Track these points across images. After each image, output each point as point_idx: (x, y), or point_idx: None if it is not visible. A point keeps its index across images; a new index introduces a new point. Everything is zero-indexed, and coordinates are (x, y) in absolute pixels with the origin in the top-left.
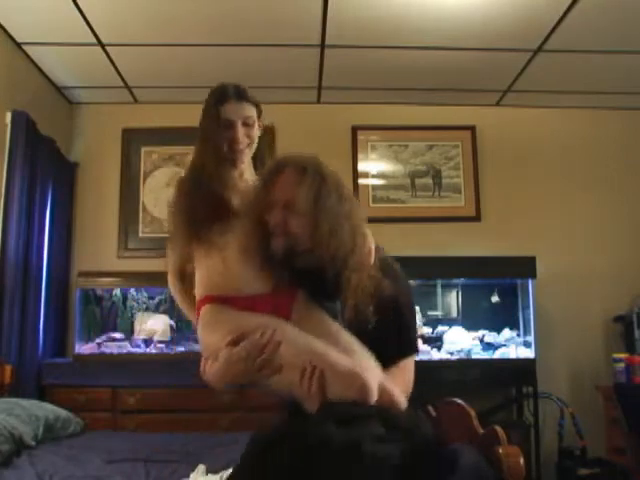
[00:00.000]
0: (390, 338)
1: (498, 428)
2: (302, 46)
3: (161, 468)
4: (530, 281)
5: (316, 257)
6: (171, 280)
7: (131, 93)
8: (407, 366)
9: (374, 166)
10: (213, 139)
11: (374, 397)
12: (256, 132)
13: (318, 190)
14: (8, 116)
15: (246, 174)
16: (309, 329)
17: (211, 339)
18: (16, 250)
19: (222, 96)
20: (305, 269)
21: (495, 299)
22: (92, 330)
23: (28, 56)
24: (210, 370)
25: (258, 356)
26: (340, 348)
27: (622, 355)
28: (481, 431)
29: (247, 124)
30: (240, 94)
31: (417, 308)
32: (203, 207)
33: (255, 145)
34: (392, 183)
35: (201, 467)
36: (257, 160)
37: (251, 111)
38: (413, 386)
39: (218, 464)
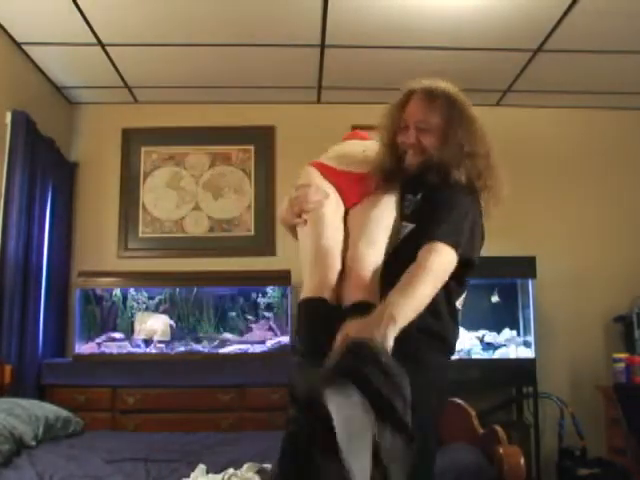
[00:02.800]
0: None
1: (498, 428)
2: (302, 46)
3: (161, 468)
4: (530, 281)
5: (447, 171)
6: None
7: (131, 93)
8: (426, 252)
9: None
10: None
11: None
12: None
13: (449, 112)
14: (8, 116)
15: None
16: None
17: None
18: (16, 250)
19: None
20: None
21: (495, 299)
22: (92, 330)
23: (28, 56)
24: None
25: (296, 204)
26: (361, 238)
27: (622, 355)
28: (481, 431)
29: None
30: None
31: None
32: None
33: None
34: None
35: (201, 467)
36: None
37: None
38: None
39: (218, 464)
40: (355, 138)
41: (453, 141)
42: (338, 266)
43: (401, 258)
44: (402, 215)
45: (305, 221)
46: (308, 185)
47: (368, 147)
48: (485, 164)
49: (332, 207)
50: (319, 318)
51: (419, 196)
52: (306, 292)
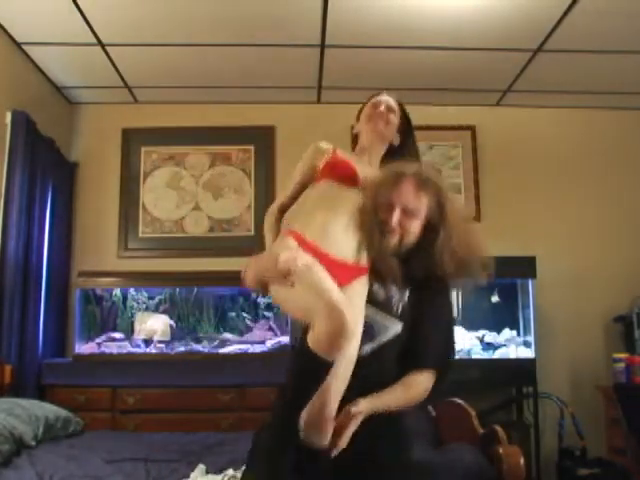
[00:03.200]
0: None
1: (498, 428)
2: (302, 46)
3: (161, 468)
4: (530, 281)
5: (433, 268)
6: (272, 208)
7: (131, 93)
8: (414, 381)
9: None
10: None
11: (347, 339)
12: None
13: (438, 201)
14: (8, 116)
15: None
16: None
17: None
18: (16, 250)
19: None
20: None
21: (495, 299)
22: (92, 330)
23: (28, 56)
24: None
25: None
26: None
27: (622, 355)
28: (481, 431)
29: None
30: None
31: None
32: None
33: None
34: None
35: (201, 467)
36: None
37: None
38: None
39: (218, 464)
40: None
41: (440, 235)
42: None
43: (384, 358)
44: (388, 308)
45: (292, 283)
46: (295, 248)
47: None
48: (466, 258)
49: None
50: (317, 382)
51: (406, 294)
52: (315, 344)
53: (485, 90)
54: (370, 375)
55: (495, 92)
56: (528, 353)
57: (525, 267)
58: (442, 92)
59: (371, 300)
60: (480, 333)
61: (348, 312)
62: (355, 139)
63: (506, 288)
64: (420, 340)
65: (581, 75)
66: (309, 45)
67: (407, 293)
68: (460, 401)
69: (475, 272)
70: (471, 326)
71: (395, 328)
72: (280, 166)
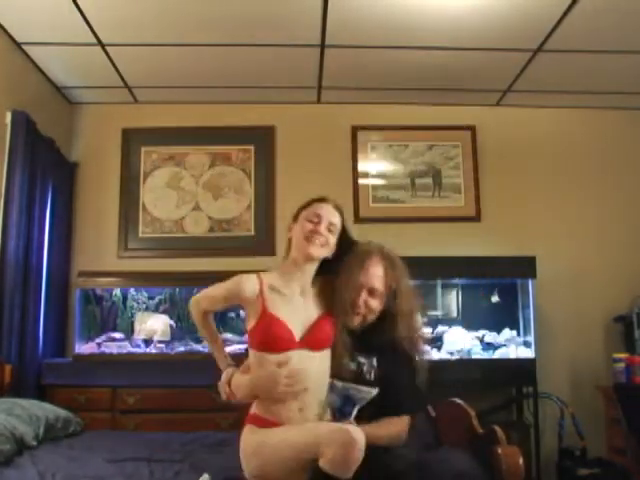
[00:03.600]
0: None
1: (497, 428)
2: (302, 46)
3: (165, 468)
4: (530, 281)
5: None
6: (198, 302)
7: (131, 93)
8: (394, 419)
9: (374, 166)
10: None
11: (361, 449)
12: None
13: (399, 282)
14: (8, 116)
15: None
16: None
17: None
18: (16, 250)
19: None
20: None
21: (495, 299)
22: (92, 330)
23: (28, 56)
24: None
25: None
26: None
27: (622, 355)
28: (481, 431)
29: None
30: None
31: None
32: None
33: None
34: (392, 183)
35: (206, 476)
36: None
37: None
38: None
39: (218, 464)
40: None
41: (397, 304)
42: None
43: (362, 417)
44: (362, 378)
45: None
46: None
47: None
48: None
49: None
50: None
51: (374, 361)
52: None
53: (485, 90)
54: None
55: (495, 92)
56: (528, 353)
57: (525, 267)
58: (442, 92)
59: (346, 374)
60: (480, 333)
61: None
62: (289, 243)
63: (506, 288)
64: (392, 398)
65: (581, 75)
66: (309, 45)
67: (375, 360)
68: (460, 401)
69: (421, 330)
70: (471, 326)
71: (372, 393)
72: (280, 166)
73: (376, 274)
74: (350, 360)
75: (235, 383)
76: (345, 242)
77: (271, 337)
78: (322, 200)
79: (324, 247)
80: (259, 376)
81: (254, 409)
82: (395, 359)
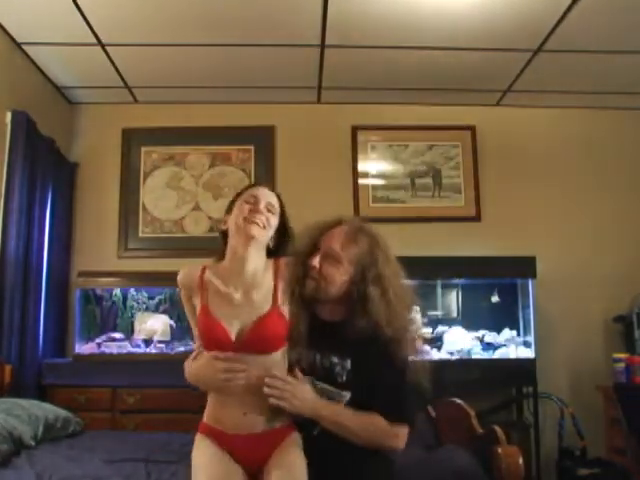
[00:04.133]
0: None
1: (497, 428)
2: (302, 46)
3: (161, 470)
4: (530, 281)
5: (376, 328)
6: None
7: (131, 93)
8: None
9: (374, 166)
10: None
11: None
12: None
13: (377, 262)
14: (8, 116)
15: None
16: None
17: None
18: (16, 250)
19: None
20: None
21: (495, 299)
22: (92, 330)
23: (28, 56)
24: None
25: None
26: None
27: (622, 355)
28: (480, 431)
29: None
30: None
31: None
32: None
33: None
34: (392, 183)
35: None
36: None
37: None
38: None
39: None
40: None
41: (375, 289)
42: None
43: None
44: (331, 379)
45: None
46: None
47: None
48: (402, 313)
49: None
50: None
51: (349, 362)
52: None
53: (485, 90)
54: (327, 437)
55: (495, 92)
56: (528, 353)
57: (525, 267)
58: (442, 92)
59: (314, 371)
60: (480, 333)
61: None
62: (225, 235)
63: (506, 288)
64: (376, 405)
65: (581, 75)
66: (309, 45)
67: (349, 361)
68: (459, 401)
69: (411, 327)
70: (471, 326)
71: (344, 396)
72: (280, 166)
73: (338, 238)
74: (322, 357)
75: (186, 369)
76: (285, 231)
77: (207, 336)
78: (256, 184)
79: (266, 229)
80: (200, 364)
81: (204, 417)
82: (375, 360)
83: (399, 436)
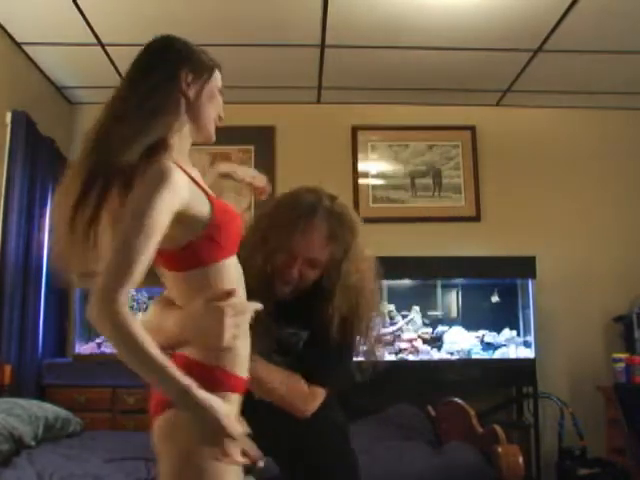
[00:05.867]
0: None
1: (497, 427)
2: (302, 46)
3: None
4: (530, 281)
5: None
6: None
7: None
8: (299, 383)
9: (374, 166)
10: None
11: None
12: None
13: (348, 249)
14: (8, 116)
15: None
16: None
17: None
18: (16, 250)
19: None
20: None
21: (495, 299)
22: (92, 330)
23: (28, 56)
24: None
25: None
26: None
27: (622, 355)
28: (480, 431)
29: None
30: None
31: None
32: None
33: None
34: (392, 183)
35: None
36: None
37: None
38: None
39: None
40: None
41: (341, 274)
42: None
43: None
44: (285, 350)
45: None
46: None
47: None
48: (359, 302)
49: None
50: None
51: (305, 334)
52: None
53: (485, 90)
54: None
55: (495, 92)
56: (528, 353)
57: (525, 267)
58: (442, 92)
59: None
60: (480, 333)
61: None
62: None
63: (506, 288)
64: (309, 362)
65: (581, 75)
66: (309, 45)
67: (306, 333)
68: (459, 401)
69: (374, 325)
70: (471, 326)
71: (302, 336)
72: (280, 166)
73: (318, 241)
74: (279, 328)
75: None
76: None
77: (237, 241)
78: None
79: None
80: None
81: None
82: (328, 335)
83: (314, 396)
